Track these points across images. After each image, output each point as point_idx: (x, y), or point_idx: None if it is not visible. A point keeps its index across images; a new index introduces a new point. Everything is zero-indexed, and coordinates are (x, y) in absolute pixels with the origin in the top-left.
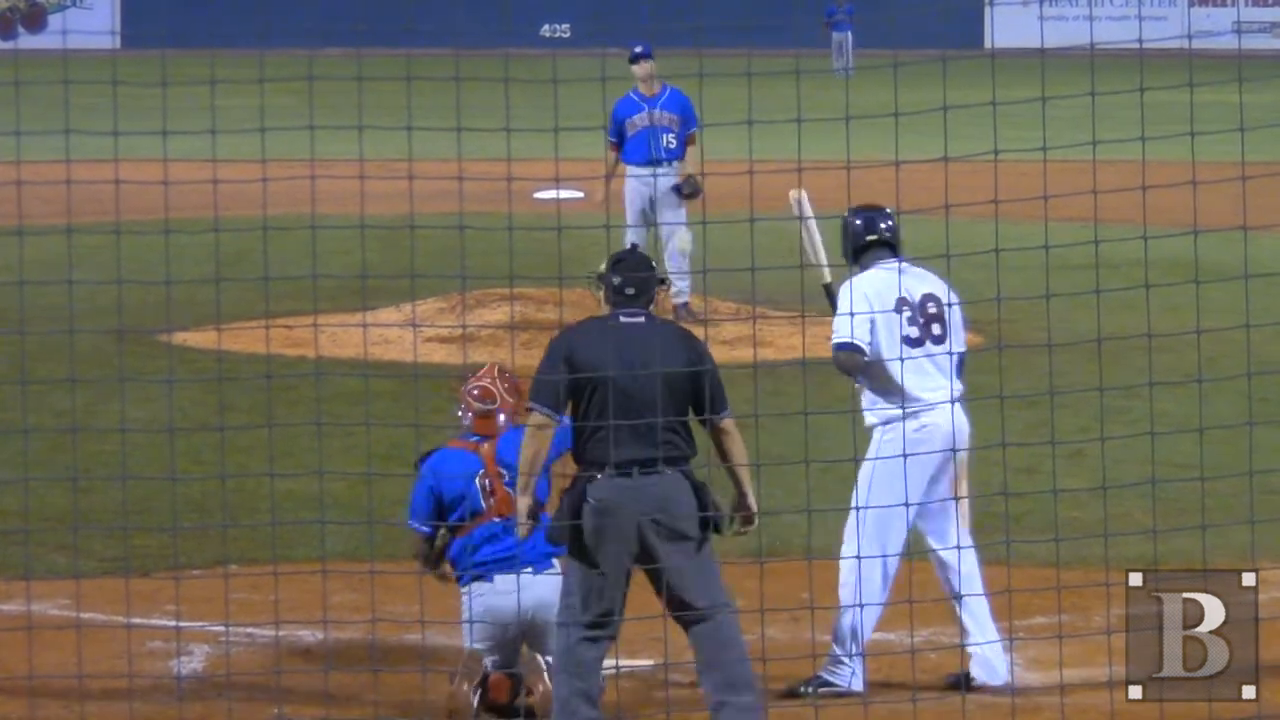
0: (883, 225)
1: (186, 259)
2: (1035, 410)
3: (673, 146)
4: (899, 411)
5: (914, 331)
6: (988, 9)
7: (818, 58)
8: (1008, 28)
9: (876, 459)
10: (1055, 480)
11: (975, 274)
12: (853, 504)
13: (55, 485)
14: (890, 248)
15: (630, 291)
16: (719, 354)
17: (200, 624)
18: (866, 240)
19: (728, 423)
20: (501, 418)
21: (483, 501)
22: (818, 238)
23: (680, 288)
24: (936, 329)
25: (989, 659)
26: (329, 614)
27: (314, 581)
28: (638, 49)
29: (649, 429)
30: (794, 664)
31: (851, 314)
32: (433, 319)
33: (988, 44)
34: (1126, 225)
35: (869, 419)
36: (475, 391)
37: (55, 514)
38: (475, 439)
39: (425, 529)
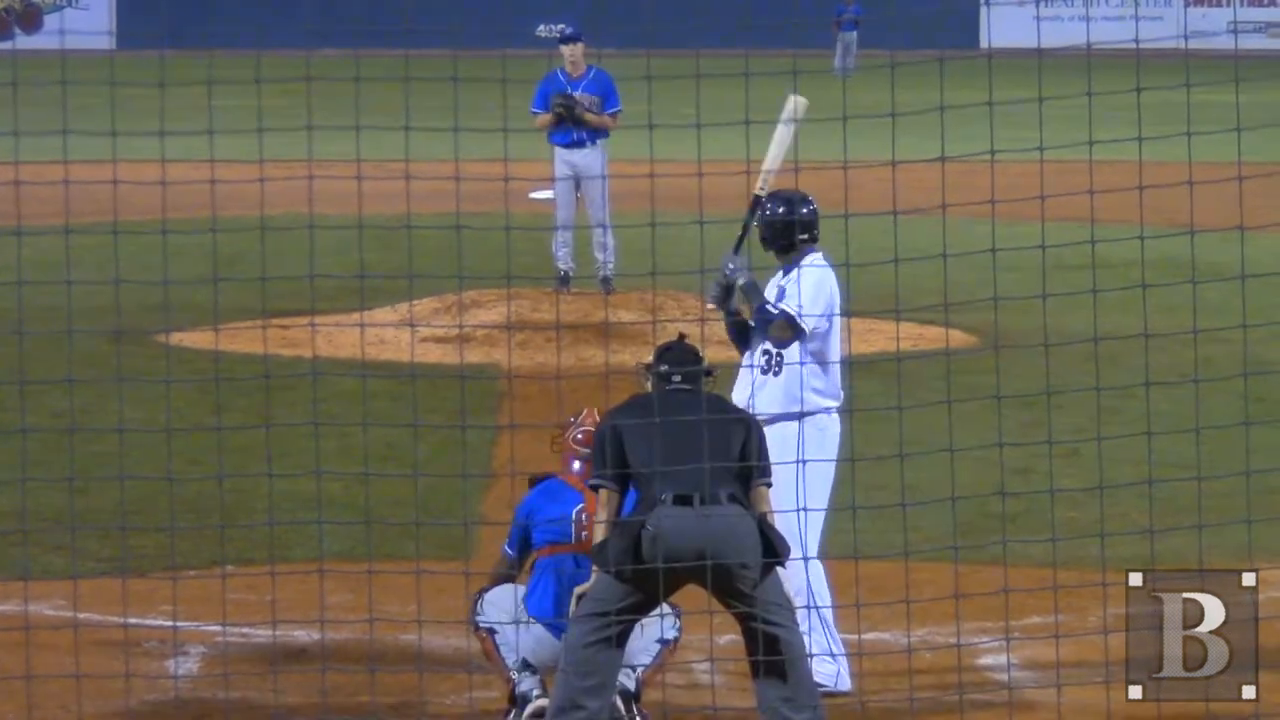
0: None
1: (184, 259)
2: (1031, 410)
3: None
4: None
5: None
6: (983, 9)
7: (817, 58)
8: (1004, 28)
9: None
10: (1052, 480)
11: (972, 274)
12: (825, 502)
13: (52, 486)
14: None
15: (676, 380)
16: (717, 354)
17: (197, 624)
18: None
19: (764, 490)
20: None
21: (573, 533)
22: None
23: (604, 259)
24: None
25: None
26: (326, 614)
27: (311, 581)
28: (567, 30)
29: (708, 470)
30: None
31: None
32: (429, 319)
33: (984, 44)
34: (1123, 225)
35: (826, 402)
36: (580, 436)
37: (52, 514)
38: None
39: (511, 553)
